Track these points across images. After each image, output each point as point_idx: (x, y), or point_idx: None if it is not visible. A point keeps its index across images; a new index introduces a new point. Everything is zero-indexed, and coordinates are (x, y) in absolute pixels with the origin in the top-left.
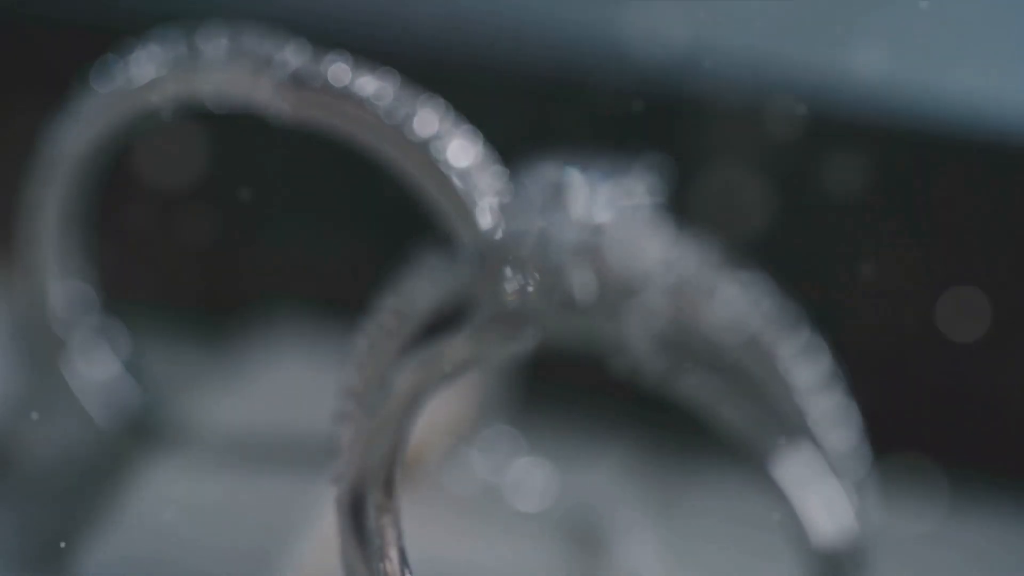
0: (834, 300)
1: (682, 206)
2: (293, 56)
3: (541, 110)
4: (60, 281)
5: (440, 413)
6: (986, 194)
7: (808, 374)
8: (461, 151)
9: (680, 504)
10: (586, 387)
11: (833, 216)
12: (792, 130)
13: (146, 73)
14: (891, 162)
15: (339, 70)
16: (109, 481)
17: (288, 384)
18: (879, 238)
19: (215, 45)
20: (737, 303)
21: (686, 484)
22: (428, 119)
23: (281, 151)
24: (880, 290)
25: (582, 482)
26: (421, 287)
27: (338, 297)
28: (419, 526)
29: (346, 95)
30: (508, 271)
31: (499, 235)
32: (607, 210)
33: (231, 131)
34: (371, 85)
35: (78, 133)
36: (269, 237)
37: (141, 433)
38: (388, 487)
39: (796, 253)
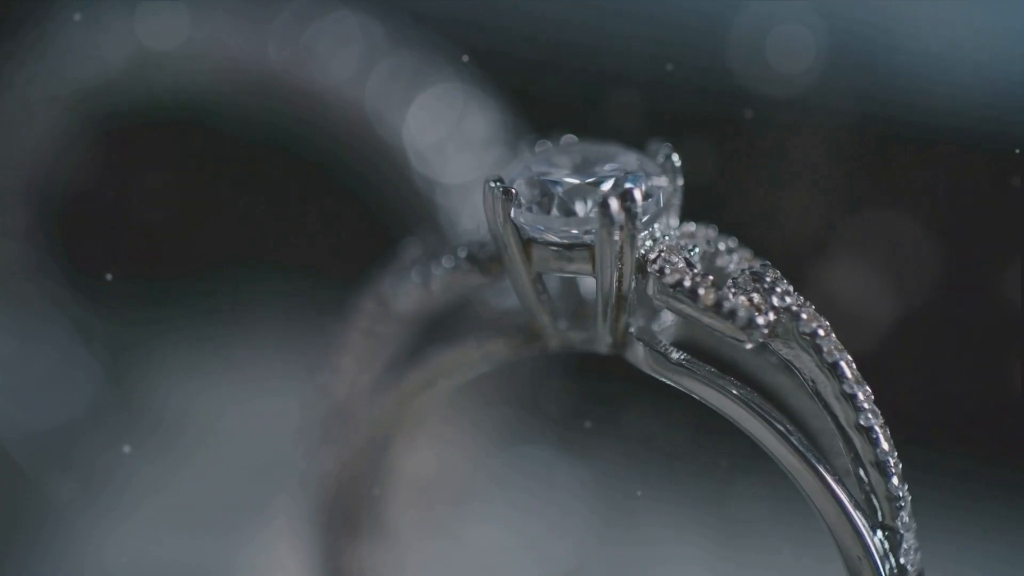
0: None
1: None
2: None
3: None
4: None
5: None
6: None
7: (834, 380)
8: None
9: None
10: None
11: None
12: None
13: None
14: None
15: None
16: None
17: (258, 374)
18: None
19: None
20: (753, 292)
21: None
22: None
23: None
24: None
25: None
26: (412, 285)
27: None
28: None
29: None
30: (518, 267)
31: (502, 229)
32: (622, 198)
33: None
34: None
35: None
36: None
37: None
38: (372, 514)
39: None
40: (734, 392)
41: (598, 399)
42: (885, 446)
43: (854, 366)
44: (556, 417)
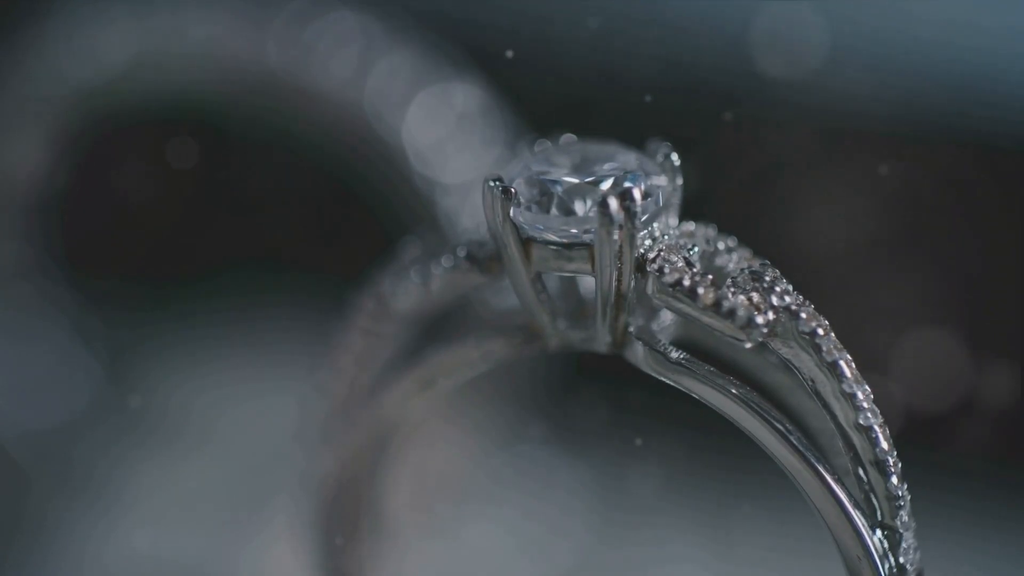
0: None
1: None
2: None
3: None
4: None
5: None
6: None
7: (833, 379)
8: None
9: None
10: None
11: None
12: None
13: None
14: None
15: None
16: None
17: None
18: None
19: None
20: (752, 292)
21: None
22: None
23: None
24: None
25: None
26: (412, 285)
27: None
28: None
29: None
30: (518, 267)
31: (501, 228)
32: (622, 197)
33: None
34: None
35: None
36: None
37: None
38: (372, 514)
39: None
40: (733, 391)
41: (599, 399)
42: (884, 445)
43: (853, 365)
44: (556, 417)
